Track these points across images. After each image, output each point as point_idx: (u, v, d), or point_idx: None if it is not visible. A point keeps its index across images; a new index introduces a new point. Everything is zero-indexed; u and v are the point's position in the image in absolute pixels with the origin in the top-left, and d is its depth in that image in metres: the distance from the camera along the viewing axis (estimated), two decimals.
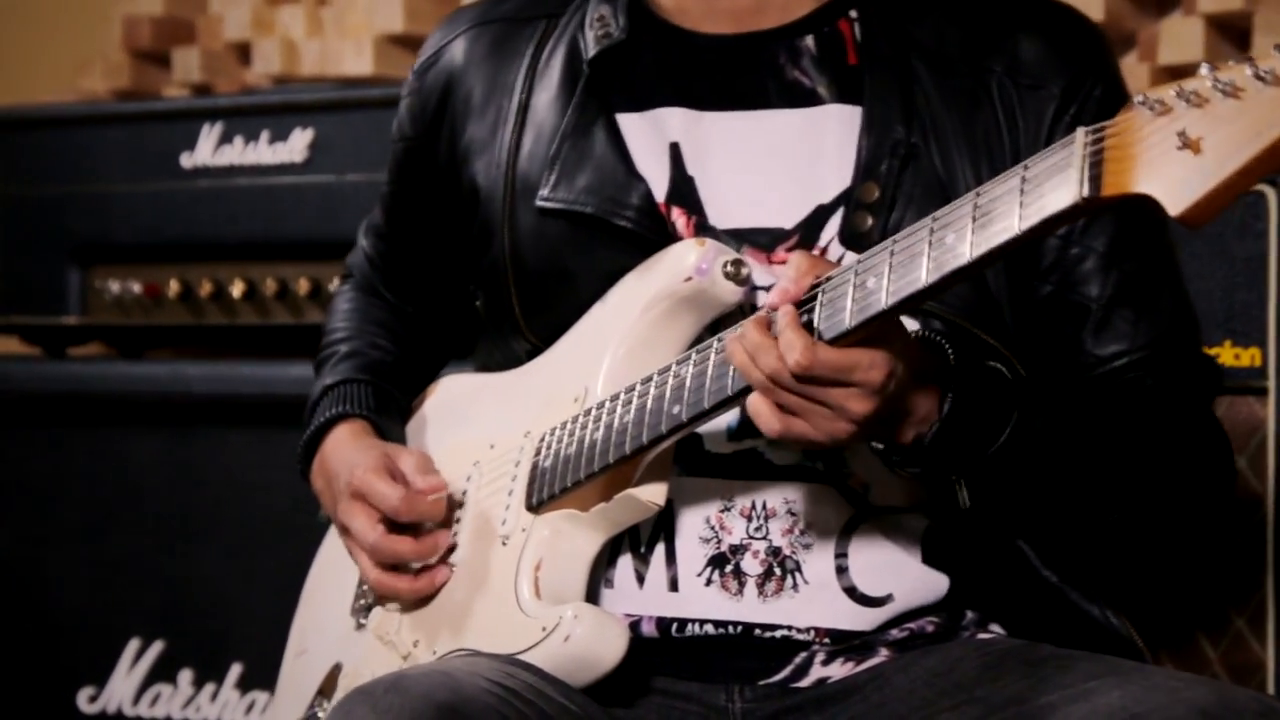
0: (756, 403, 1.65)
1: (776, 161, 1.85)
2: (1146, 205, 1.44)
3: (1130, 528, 1.84)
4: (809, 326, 1.62)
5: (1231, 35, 3.09)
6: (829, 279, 1.64)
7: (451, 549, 1.90)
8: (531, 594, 1.80)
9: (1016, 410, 1.68)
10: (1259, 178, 1.40)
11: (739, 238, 1.83)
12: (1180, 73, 3.09)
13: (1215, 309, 2.44)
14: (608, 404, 1.80)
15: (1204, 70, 1.42)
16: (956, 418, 1.65)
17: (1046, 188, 1.50)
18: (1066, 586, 1.84)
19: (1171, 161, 1.41)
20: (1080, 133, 1.49)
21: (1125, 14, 3.15)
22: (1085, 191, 1.47)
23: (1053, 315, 1.85)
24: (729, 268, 1.79)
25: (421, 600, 1.91)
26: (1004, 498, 1.74)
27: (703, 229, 1.85)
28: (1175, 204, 1.41)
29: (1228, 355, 2.45)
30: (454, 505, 1.92)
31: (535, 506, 1.84)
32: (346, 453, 1.96)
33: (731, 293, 1.80)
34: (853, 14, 1.91)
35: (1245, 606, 2.44)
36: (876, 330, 1.61)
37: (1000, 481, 1.72)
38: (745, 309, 1.81)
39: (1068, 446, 1.74)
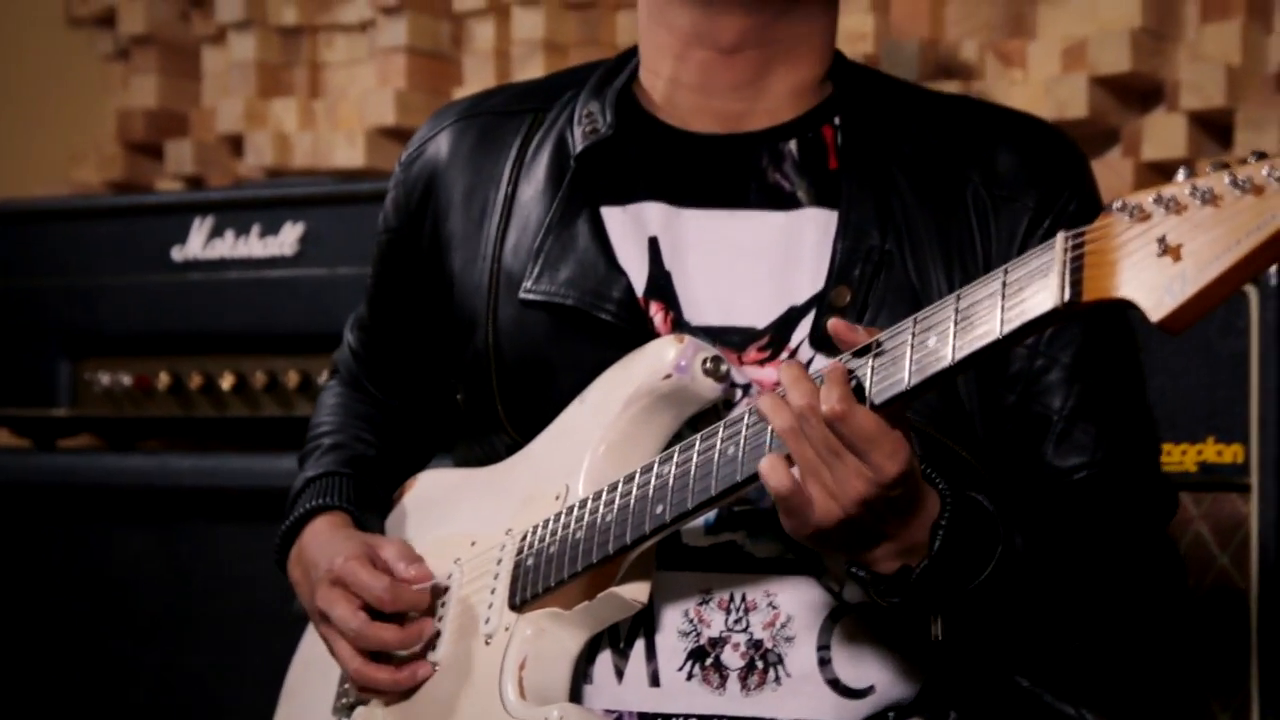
0: (769, 462, 1.63)
1: (751, 262, 1.87)
2: (1126, 310, 1.45)
3: (1083, 644, 1.84)
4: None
5: (1214, 131, 3.12)
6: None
7: (435, 639, 1.90)
8: (516, 695, 1.79)
9: (1000, 546, 1.68)
10: (1239, 284, 1.40)
11: (711, 336, 1.84)
12: (1163, 168, 3.12)
13: (1198, 406, 2.46)
14: (590, 502, 1.81)
15: (1181, 176, 1.44)
16: (945, 554, 1.65)
17: (1028, 292, 1.51)
18: (1040, 689, 1.84)
19: (1151, 267, 1.43)
20: (1061, 237, 1.50)
21: (1109, 109, 3.18)
22: (1066, 296, 1.48)
23: (1015, 424, 1.86)
24: (708, 364, 1.81)
25: (403, 697, 1.90)
26: (977, 628, 1.74)
27: (679, 325, 1.86)
28: (1156, 310, 1.42)
29: (1210, 452, 2.46)
30: (437, 601, 1.92)
31: (518, 605, 1.84)
32: (325, 543, 1.97)
33: (710, 389, 1.81)
34: (836, 120, 1.93)
35: (1231, 701, 2.44)
36: (904, 423, 1.61)
37: (977, 613, 1.71)
38: (724, 405, 1.82)
39: (1033, 574, 1.73)
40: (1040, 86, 3.18)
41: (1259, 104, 3.08)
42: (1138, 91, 3.19)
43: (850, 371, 1.61)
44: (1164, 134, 3.12)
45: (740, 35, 1.90)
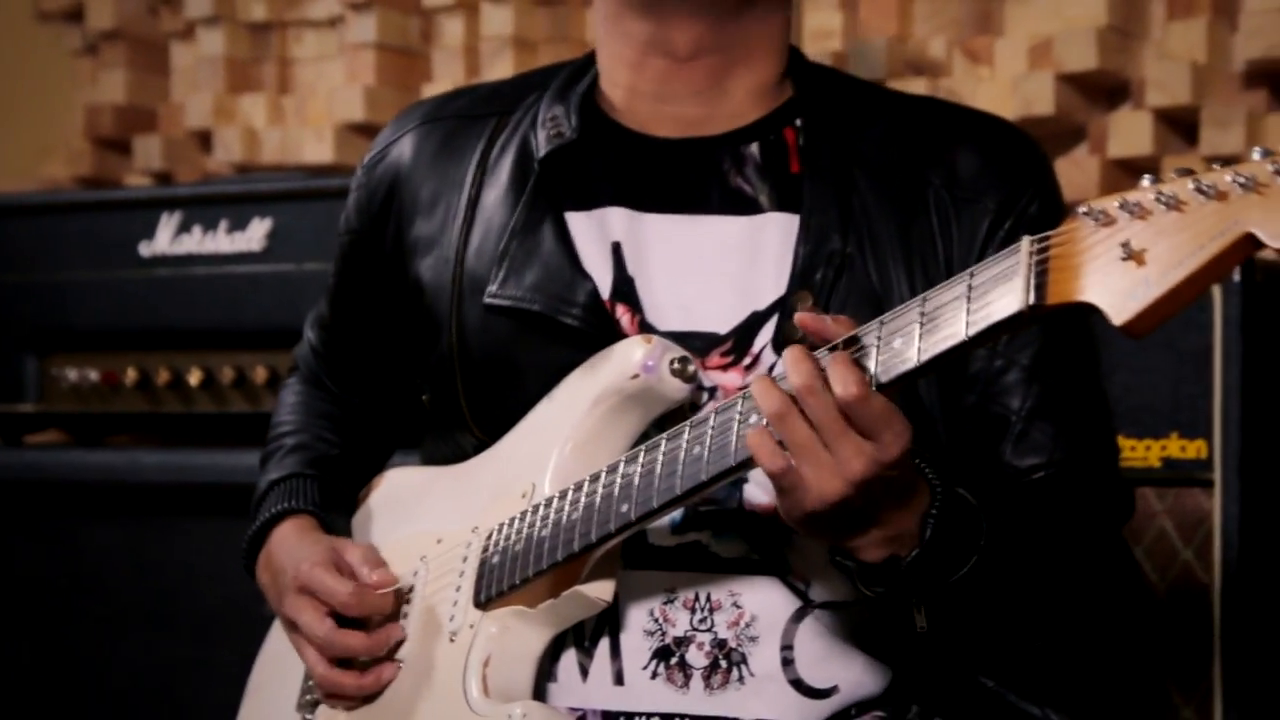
0: (757, 437, 1.63)
1: (714, 267, 1.87)
2: (1089, 314, 1.45)
3: (1043, 642, 1.85)
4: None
5: (1180, 128, 3.14)
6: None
7: (400, 644, 1.90)
8: (480, 692, 1.80)
9: (983, 538, 1.69)
10: (1202, 289, 1.41)
11: (675, 341, 1.84)
12: (1130, 165, 3.14)
13: (1162, 401, 2.47)
14: (555, 501, 1.82)
15: (1146, 181, 1.45)
16: (934, 544, 1.66)
17: (993, 295, 1.52)
18: (1004, 689, 1.85)
19: (1115, 272, 1.44)
20: (1026, 241, 1.51)
21: (1075, 107, 3.19)
22: (1031, 299, 1.49)
23: (975, 425, 1.87)
24: (675, 365, 1.81)
25: (369, 697, 1.91)
26: (958, 621, 1.75)
27: (645, 328, 1.87)
28: (1119, 314, 1.43)
29: (1174, 447, 2.48)
30: (402, 600, 1.92)
31: (483, 603, 1.85)
32: (292, 548, 1.97)
33: (677, 389, 1.81)
34: (798, 123, 1.93)
35: (1194, 694, 2.45)
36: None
37: (956, 606, 1.72)
38: (691, 406, 1.83)
39: (1004, 571, 1.74)
40: (1007, 84, 3.19)
41: (1224, 101, 3.10)
42: (1104, 89, 3.20)
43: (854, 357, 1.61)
44: (1130, 131, 3.13)
45: (696, 42, 1.91)
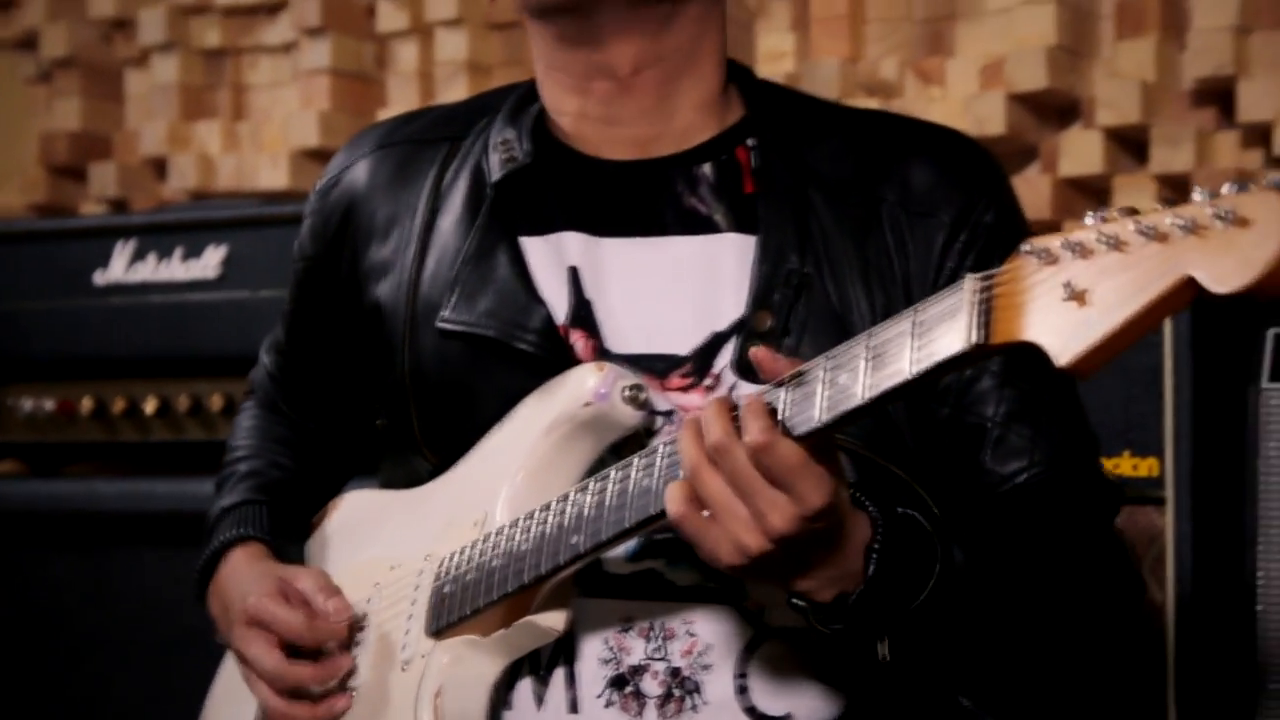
0: (674, 487, 1.63)
1: (672, 289, 1.87)
2: (1034, 353, 1.44)
3: (1035, 651, 1.83)
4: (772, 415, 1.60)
5: (1130, 147, 3.16)
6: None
7: (352, 673, 1.90)
8: None
9: (939, 563, 1.67)
10: (1145, 330, 1.40)
11: (635, 363, 1.84)
12: (1081, 184, 3.16)
13: (1113, 420, 2.48)
14: (508, 529, 1.81)
15: (1089, 220, 1.44)
16: (881, 577, 1.64)
17: (937, 332, 1.51)
18: (981, 711, 1.84)
19: (1058, 311, 1.43)
20: (970, 279, 1.50)
21: (1027, 126, 3.21)
22: (975, 338, 1.48)
23: (952, 437, 1.86)
24: (628, 392, 1.81)
25: None
26: (925, 646, 1.73)
27: (601, 353, 1.86)
28: (1062, 354, 1.42)
29: (1126, 466, 2.49)
30: (355, 628, 1.92)
31: (436, 632, 1.84)
32: (241, 579, 1.97)
33: (631, 417, 1.82)
34: (750, 142, 1.94)
35: (1147, 713, 2.46)
36: (828, 454, 1.60)
37: (921, 630, 1.70)
38: (645, 433, 1.83)
39: (980, 583, 1.74)
40: (959, 104, 3.21)
41: (1173, 119, 3.12)
42: (1055, 108, 3.22)
43: (768, 404, 1.60)
44: (1081, 150, 3.15)
45: (635, 59, 1.91)
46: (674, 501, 1.62)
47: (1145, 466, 2.48)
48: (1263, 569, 2.44)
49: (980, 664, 1.82)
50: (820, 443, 1.60)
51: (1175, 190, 3.02)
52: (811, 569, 1.64)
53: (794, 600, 1.68)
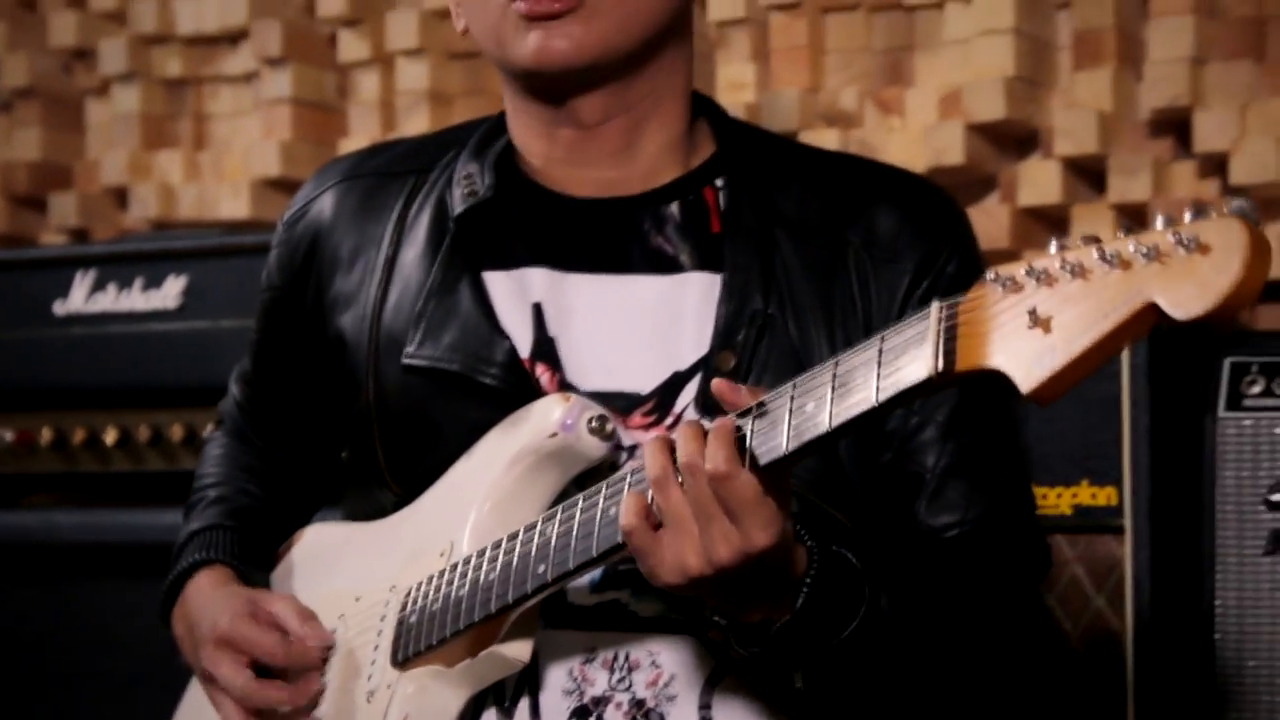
0: (631, 497, 1.64)
1: (635, 327, 1.88)
2: (998, 380, 1.46)
3: (945, 701, 1.86)
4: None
5: (1088, 176, 3.18)
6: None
7: (318, 698, 1.90)
8: None
9: (864, 605, 1.69)
10: (1108, 357, 1.41)
11: (597, 400, 1.84)
12: (1040, 214, 3.18)
13: (1072, 449, 2.50)
14: (474, 560, 1.82)
15: (1053, 248, 1.44)
16: (808, 611, 1.66)
17: (903, 360, 1.52)
18: None
19: (1022, 339, 1.44)
20: (935, 306, 1.51)
21: (985, 156, 3.23)
22: (939, 365, 1.49)
23: (891, 482, 1.87)
24: (594, 423, 1.81)
25: None
26: (840, 680, 1.76)
27: (566, 387, 1.87)
28: (1026, 381, 1.43)
29: (1085, 495, 2.50)
30: (325, 654, 1.91)
31: (401, 662, 1.85)
32: (208, 601, 1.97)
33: (596, 448, 1.82)
34: (718, 182, 1.94)
35: None
36: (782, 486, 1.61)
37: (838, 666, 1.73)
38: (610, 465, 1.83)
39: (898, 630, 1.75)
40: (918, 134, 3.23)
41: (1131, 149, 3.14)
42: (1013, 138, 3.24)
43: (738, 428, 1.62)
44: (1039, 180, 3.17)
45: (602, 110, 1.91)
46: (627, 512, 1.64)
47: (1104, 495, 2.50)
48: (1220, 597, 2.46)
49: (892, 705, 1.84)
50: (780, 472, 1.61)
51: (1133, 219, 3.05)
52: (743, 595, 1.65)
53: (715, 618, 1.69)
